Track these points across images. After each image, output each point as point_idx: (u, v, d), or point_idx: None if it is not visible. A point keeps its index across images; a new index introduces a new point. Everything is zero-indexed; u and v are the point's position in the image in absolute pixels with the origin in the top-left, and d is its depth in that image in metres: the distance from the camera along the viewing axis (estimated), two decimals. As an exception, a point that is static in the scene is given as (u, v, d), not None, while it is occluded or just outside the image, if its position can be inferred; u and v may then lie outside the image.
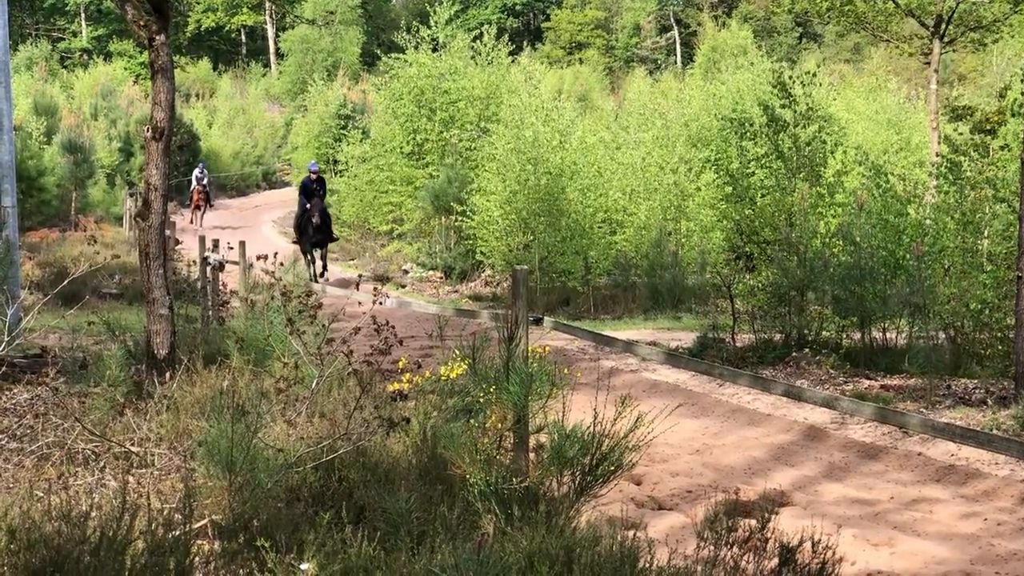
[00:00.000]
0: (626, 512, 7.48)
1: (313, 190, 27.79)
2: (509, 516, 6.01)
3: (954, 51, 36.52)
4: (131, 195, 37.31)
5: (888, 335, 15.44)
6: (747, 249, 20.33)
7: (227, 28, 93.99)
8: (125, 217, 38.15)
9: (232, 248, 17.05)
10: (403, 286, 29.52)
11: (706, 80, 45.12)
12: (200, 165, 46.23)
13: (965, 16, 27.69)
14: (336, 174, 42.30)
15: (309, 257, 27.64)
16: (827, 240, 16.34)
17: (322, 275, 27.17)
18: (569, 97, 49.38)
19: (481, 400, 7.22)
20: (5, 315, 9.65)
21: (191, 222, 42.98)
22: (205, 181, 45.49)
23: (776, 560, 5.85)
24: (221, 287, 16.19)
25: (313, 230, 27.26)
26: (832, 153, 19.35)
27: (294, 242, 28.87)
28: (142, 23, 9.77)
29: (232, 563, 5.33)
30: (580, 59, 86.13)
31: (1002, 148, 16.85)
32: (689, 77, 56.90)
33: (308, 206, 27.31)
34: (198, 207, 44.59)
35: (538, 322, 8.43)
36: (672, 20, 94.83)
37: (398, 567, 5.19)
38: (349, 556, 5.26)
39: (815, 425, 11.63)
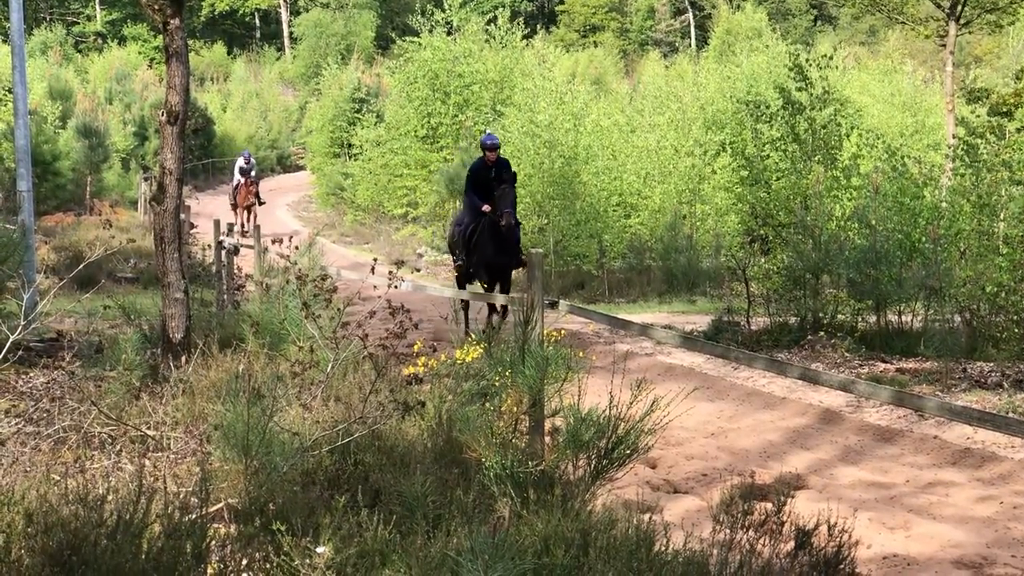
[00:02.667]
0: (642, 495, 7.49)
1: (490, 180, 15.87)
2: (525, 499, 6.02)
3: (970, 33, 36.31)
4: (146, 179, 37.34)
5: (904, 318, 15.41)
6: (762, 232, 20.29)
7: (241, 12, 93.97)
8: (140, 201, 38.21)
9: (246, 232, 17.08)
10: (418, 270, 29.46)
11: (721, 63, 45.01)
12: (244, 154, 36.44)
13: (981, -3, 27.59)
14: (351, 158, 42.33)
15: (473, 284, 16.57)
16: (842, 223, 16.30)
17: (502, 319, 15.27)
18: (583, 80, 49.27)
19: (496, 384, 7.22)
20: (21, 299, 9.68)
21: (239, 227, 30.98)
22: (253, 173, 35.47)
23: (792, 543, 5.85)
24: (236, 271, 16.22)
25: (494, 249, 15.78)
26: (847, 136, 19.31)
27: (458, 265, 16.66)
28: (156, 7, 9.77)
29: (248, 546, 5.34)
30: (594, 42, 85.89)
31: (1019, 130, 16.78)
32: (704, 60, 56.76)
33: (485, 208, 15.70)
34: (247, 207, 34.41)
35: (553, 305, 8.42)
36: (686, 3, 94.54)
37: (414, 550, 5.20)
38: (365, 539, 5.26)
39: (830, 408, 11.62)
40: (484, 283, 16.24)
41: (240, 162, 35.31)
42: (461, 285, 16.72)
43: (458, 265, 16.67)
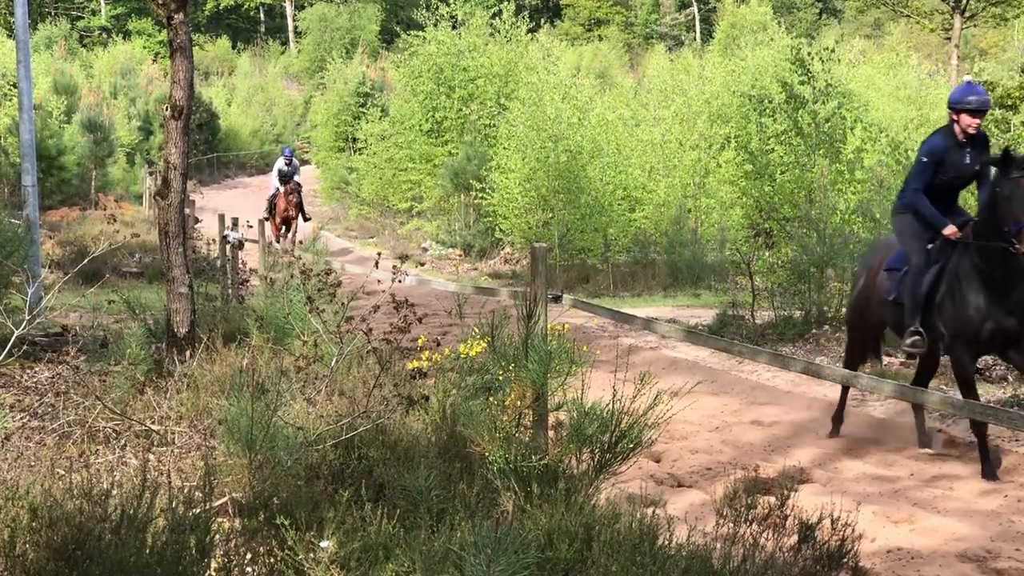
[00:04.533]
0: (645, 489, 7.49)
1: (964, 170, 9.41)
2: (528, 494, 6.02)
3: (975, 26, 36.36)
4: (151, 174, 37.38)
5: (908, 312, 15.37)
6: (767, 226, 20.29)
7: (245, 6, 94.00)
8: (145, 196, 38.24)
9: (251, 226, 17.10)
10: (422, 264, 29.55)
11: (726, 57, 44.92)
12: (285, 152, 29.00)
13: (986, -10, 27.58)
14: (355, 152, 42.33)
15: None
16: (847, 216, 16.30)
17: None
18: (588, 74, 49.28)
19: (500, 378, 7.21)
20: (26, 294, 9.70)
21: (276, 240, 24.99)
22: (298, 177, 28.09)
23: (796, 537, 5.85)
24: (240, 265, 16.24)
25: (998, 300, 8.81)
26: (852, 130, 19.28)
27: (915, 341, 9.41)
28: (161, 1, 9.77)
29: (252, 541, 5.35)
30: (599, 36, 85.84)
31: (1023, 124, 16.75)
32: (708, 54, 56.66)
33: (949, 231, 9.15)
34: (286, 220, 27.26)
35: (557, 300, 8.42)
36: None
37: (418, 544, 5.21)
38: (369, 534, 5.27)
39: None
40: (962, 374, 9.26)
41: (280, 163, 28.15)
42: (851, 362, 10.82)
43: (914, 341, 9.41)
